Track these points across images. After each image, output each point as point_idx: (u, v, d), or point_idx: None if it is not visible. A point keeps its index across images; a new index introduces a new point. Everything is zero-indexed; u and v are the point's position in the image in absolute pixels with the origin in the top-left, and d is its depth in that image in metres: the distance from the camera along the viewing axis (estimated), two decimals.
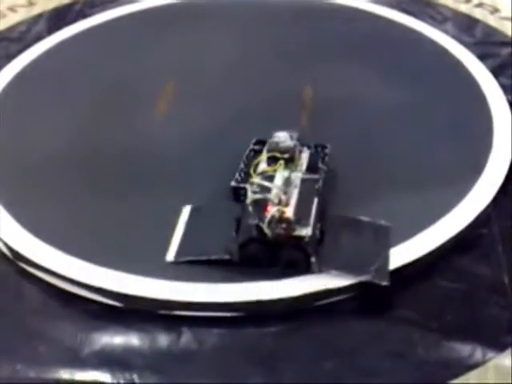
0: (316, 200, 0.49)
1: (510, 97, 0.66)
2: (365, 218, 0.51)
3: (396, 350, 0.46)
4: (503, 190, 0.56)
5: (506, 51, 0.74)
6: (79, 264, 0.50)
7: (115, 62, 0.72)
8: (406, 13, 0.80)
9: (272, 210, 0.46)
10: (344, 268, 0.47)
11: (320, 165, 0.53)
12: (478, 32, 0.79)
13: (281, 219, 0.46)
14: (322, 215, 0.50)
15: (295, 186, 0.50)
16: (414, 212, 0.54)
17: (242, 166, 0.54)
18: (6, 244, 0.53)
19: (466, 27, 0.79)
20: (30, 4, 0.86)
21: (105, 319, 0.48)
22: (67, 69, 0.71)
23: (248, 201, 0.48)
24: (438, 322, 0.48)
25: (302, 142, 0.55)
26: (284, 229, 0.46)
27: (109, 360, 0.46)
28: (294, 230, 0.47)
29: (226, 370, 0.46)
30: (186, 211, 0.53)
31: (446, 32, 0.77)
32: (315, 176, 0.52)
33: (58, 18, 0.82)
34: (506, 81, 0.69)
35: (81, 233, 0.53)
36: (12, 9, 0.85)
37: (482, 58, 0.72)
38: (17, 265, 0.52)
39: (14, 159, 0.60)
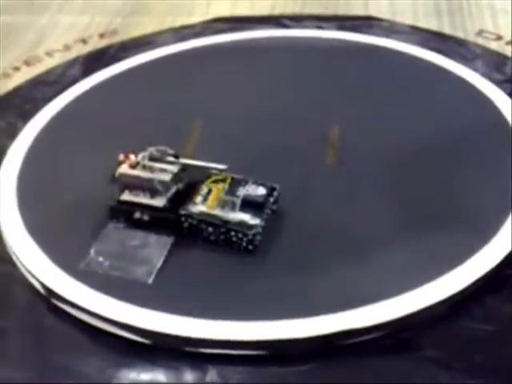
0: (148, 194, 0.56)
1: None
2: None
3: None
4: None
5: None
6: (109, 301, 0.51)
7: (147, 103, 0.73)
8: (436, 51, 0.81)
9: (121, 158, 0.58)
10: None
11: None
12: (509, 69, 0.79)
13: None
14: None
15: (157, 173, 0.57)
16: (442, 252, 0.53)
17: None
18: (38, 280, 0.54)
19: (497, 65, 0.79)
20: (66, 49, 0.89)
21: (132, 355, 0.49)
22: (101, 111, 0.73)
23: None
24: (465, 362, 0.47)
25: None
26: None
27: None
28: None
29: None
30: None
31: (476, 70, 0.77)
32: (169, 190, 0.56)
33: (92, 62, 0.84)
34: None
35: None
36: (49, 53, 0.88)
37: None
38: (49, 301, 0.54)
39: (50, 199, 0.62)
